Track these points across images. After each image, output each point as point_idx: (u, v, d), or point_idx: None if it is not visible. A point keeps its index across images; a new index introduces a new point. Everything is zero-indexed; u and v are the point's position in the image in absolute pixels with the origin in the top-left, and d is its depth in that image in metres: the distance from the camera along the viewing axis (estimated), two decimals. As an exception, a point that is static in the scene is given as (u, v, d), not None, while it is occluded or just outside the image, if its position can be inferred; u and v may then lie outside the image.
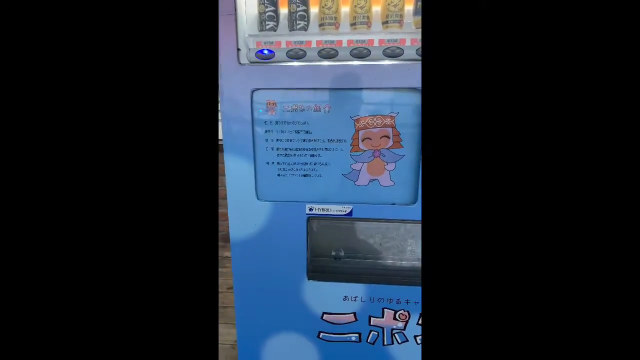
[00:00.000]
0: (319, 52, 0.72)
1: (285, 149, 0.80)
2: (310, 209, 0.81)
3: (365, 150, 0.78)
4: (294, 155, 0.80)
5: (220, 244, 1.96)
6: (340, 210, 0.81)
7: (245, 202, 0.82)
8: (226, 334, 1.32)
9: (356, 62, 0.73)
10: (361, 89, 0.74)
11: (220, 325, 1.37)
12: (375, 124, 0.76)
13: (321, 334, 0.89)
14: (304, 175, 0.81)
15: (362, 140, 0.77)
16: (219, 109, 0.78)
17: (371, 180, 0.79)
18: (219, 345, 1.28)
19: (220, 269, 1.77)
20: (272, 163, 0.81)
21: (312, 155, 0.79)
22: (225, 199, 0.84)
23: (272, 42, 0.75)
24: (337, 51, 0.72)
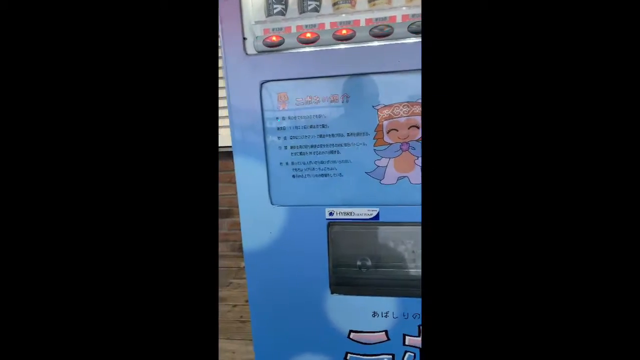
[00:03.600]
0: (334, 34, 0.64)
1: (300, 146, 0.71)
2: (331, 214, 0.72)
3: (391, 144, 0.68)
4: (310, 153, 0.71)
5: (236, 254, 1.90)
6: (364, 214, 0.71)
7: (258, 208, 0.74)
8: (245, 352, 1.23)
9: (377, 43, 0.64)
10: (384, 73, 0.65)
11: (237, 342, 1.29)
12: (401, 112, 0.66)
13: (349, 355, 0.79)
14: (323, 176, 0.72)
15: (388, 132, 0.67)
16: (228, 103, 0.71)
17: (400, 178, 0.69)
18: (238, 364, 1.19)
19: (237, 281, 1.70)
20: (287, 163, 0.72)
21: (331, 152, 0.70)
22: (238, 206, 0.77)
23: (281, 28, 0.68)
24: (354, 32, 0.63)
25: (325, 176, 0.72)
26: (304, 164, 0.72)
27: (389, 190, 0.70)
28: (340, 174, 0.71)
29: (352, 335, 0.77)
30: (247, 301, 1.35)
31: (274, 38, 0.66)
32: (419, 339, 0.75)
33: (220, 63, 0.69)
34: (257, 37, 0.67)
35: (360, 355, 0.78)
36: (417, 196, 0.69)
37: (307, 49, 0.66)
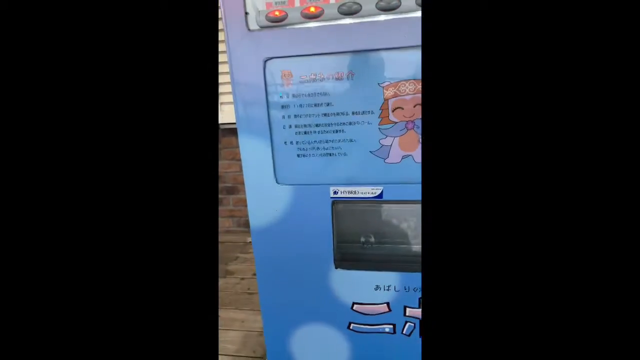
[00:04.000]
0: (339, 7, 0.62)
1: (305, 125, 0.71)
2: (335, 192, 0.73)
3: (396, 122, 0.67)
4: (315, 132, 0.71)
5: (242, 229, 1.95)
6: (368, 193, 0.72)
7: (263, 186, 0.75)
8: (253, 321, 1.30)
9: (383, 17, 0.62)
10: (390, 49, 0.63)
11: (247, 312, 1.36)
12: (407, 90, 0.65)
13: (352, 324, 0.83)
14: (327, 155, 0.72)
15: (393, 111, 0.67)
16: (232, 80, 0.70)
17: (404, 157, 0.69)
18: (247, 332, 1.27)
19: (244, 255, 1.76)
20: (291, 142, 0.73)
21: (335, 132, 0.70)
22: (242, 183, 0.78)
23: (284, 2, 0.65)
24: (360, 5, 0.61)
25: (330, 155, 0.72)
26: (309, 143, 0.72)
27: (393, 169, 0.70)
28: (344, 153, 0.71)
29: (356, 307, 0.81)
30: (254, 274, 1.41)
31: (276, 12, 0.64)
32: (419, 310, 0.79)
33: (222, 38, 0.67)
34: (259, 12, 0.65)
35: (363, 324, 0.82)
36: (420, 174, 0.69)
37: (311, 24, 0.64)
